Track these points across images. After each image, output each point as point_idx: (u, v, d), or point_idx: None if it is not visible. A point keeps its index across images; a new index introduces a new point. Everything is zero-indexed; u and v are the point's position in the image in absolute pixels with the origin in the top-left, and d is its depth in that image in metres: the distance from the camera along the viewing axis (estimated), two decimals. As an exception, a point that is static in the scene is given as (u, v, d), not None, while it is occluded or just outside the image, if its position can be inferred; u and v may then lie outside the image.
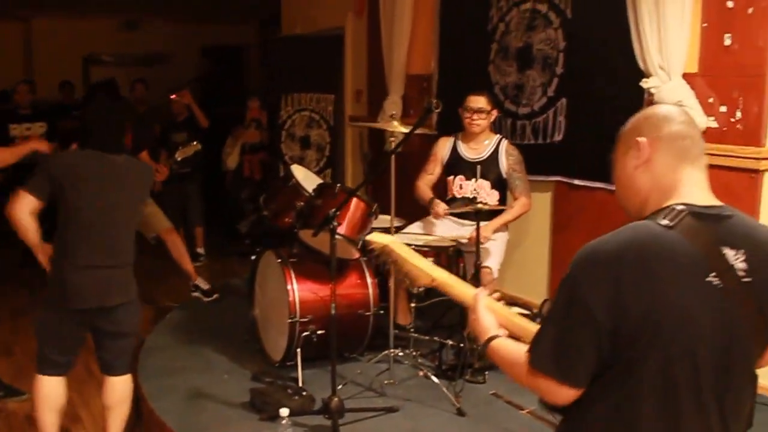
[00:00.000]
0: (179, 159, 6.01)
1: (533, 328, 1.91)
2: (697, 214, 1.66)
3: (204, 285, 6.04)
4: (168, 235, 5.94)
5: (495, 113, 4.74)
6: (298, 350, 4.16)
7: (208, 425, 3.78)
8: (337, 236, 3.81)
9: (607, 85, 4.74)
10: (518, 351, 1.81)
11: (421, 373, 4.21)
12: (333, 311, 3.61)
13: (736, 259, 1.64)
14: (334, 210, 3.56)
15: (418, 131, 5.80)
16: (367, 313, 4.37)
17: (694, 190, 1.73)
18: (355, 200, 4.08)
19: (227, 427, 3.75)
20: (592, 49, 4.84)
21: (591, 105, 4.86)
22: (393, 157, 4.18)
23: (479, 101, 4.64)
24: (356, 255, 4.29)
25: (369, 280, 4.43)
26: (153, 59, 12.28)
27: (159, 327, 5.30)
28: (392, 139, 4.24)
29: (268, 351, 4.50)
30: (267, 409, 3.78)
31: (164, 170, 5.81)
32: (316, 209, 4.09)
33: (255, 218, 7.79)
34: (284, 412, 3.37)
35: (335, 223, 3.58)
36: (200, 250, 7.57)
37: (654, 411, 1.64)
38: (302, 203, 4.28)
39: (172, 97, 7.31)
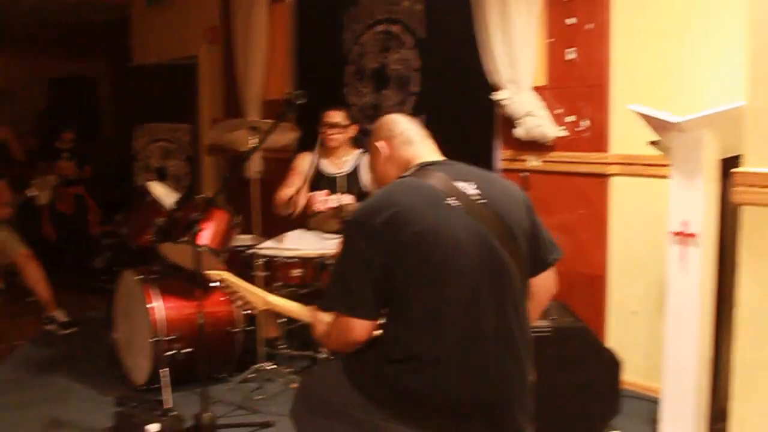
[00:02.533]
0: (30, 195, 5.77)
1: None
2: (428, 164, 2.23)
3: (62, 317, 5.74)
4: (25, 261, 5.63)
5: (353, 128, 4.81)
6: (163, 370, 4.02)
7: (69, 453, 3.59)
8: (200, 247, 3.75)
9: (461, 100, 4.91)
10: (314, 316, 2.30)
11: (293, 386, 4.16)
12: (201, 320, 3.53)
13: (469, 188, 2.13)
14: (197, 214, 3.50)
15: (276, 155, 5.84)
16: (235, 330, 4.29)
17: (425, 154, 2.31)
18: (217, 211, 4.03)
19: (90, 454, 3.56)
20: (445, 66, 5.01)
21: (447, 120, 5.01)
22: (253, 182, 4.18)
23: (335, 116, 4.70)
24: (221, 268, 4.19)
25: (235, 297, 4.35)
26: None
27: (8, 361, 4.97)
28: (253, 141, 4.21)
29: (131, 375, 4.33)
30: (134, 431, 3.63)
31: (7, 211, 5.56)
32: (177, 222, 4.00)
33: (110, 254, 7.53)
34: (152, 428, 3.24)
35: (198, 228, 3.51)
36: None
37: (429, 322, 2.03)
38: (162, 218, 4.18)
39: None
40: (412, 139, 2.34)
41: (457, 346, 2.01)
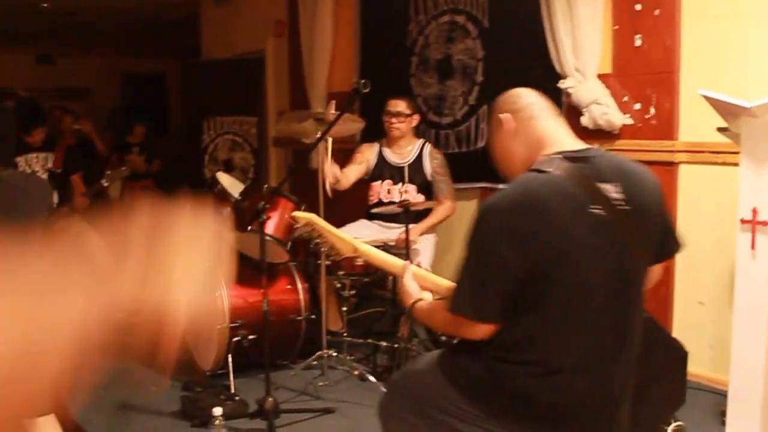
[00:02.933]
0: (106, 184, 5.93)
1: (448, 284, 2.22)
2: (571, 158, 1.95)
3: None
4: None
5: (416, 118, 4.81)
6: (229, 357, 4.10)
7: (138, 435, 3.68)
8: (265, 236, 3.80)
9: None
10: (437, 306, 2.13)
11: (356, 372, 4.20)
12: (265, 306, 3.59)
13: (613, 191, 1.92)
14: (262, 203, 3.55)
15: (343, 146, 5.87)
16: (299, 318, 4.34)
17: (561, 138, 2.06)
18: (282, 200, 4.08)
19: (157, 435, 3.65)
20: (509, 55, 4.98)
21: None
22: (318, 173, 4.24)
23: (398, 105, 4.71)
24: (285, 257, 4.26)
25: (299, 285, 4.41)
26: (72, 92, 12.05)
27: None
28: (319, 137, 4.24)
29: (198, 361, 4.42)
30: (199, 414, 3.70)
31: (84, 200, 5.73)
32: (243, 212, 4.06)
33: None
34: (217, 411, 3.30)
35: (264, 216, 3.56)
36: None
37: (554, 332, 1.91)
38: (229, 209, 4.26)
39: (74, 126, 7.30)
40: (540, 115, 2.10)
41: (586, 355, 1.92)
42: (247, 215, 3.97)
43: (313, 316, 4.38)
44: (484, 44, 5.16)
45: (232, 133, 7.69)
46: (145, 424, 3.80)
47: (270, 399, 3.60)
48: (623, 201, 1.92)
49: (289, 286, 4.40)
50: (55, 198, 5.72)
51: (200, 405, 3.72)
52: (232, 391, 3.97)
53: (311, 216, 2.42)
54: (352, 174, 4.79)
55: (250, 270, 4.21)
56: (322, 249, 2.46)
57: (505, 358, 1.95)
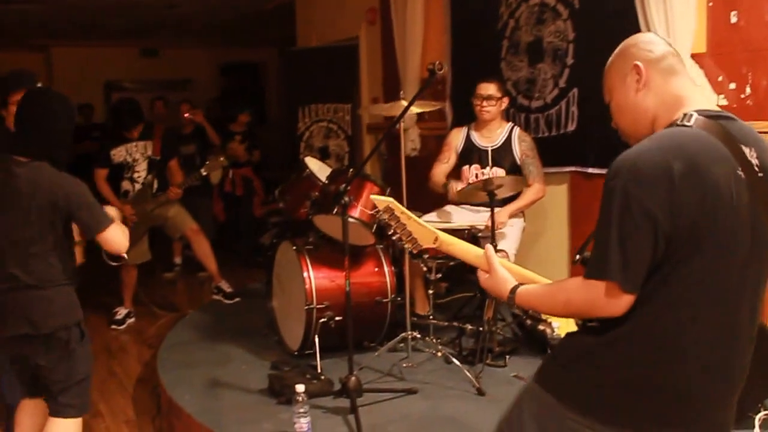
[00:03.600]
0: (205, 173, 6.12)
1: (544, 279, 2.01)
2: (711, 116, 1.77)
3: (226, 288, 6.10)
4: (194, 235, 6.04)
5: (506, 101, 4.76)
6: (316, 337, 4.17)
7: (226, 411, 3.78)
8: (351, 219, 3.85)
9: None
10: (555, 285, 1.89)
11: (440, 354, 4.21)
12: (347, 287, 3.63)
13: (751, 156, 1.75)
14: (344, 185, 3.59)
15: (432, 132, 5.89)
16: (385, 300, 4.37)
17: (696, 97, 1.86)
18: (368, 184, 4.11)
19: (245, 412, 3.75)
20: (600, 36, 4.86)
21: (602, 93, 4.85)
22: (404, 160, 4.26)
23: (489, 88, 4.67)
24: (371, 240, 4.29)
25: (386, 268, 4.44)
26: (174, 84, 12.46)
27: (179, 325, 5.34)
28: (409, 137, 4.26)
29: (286, 341, 4.52)
30: (285, 392, 3.79)
31: (178, 192, 5.92)
32: (329, 195, 4.11)
33: (276, 231, 7.87)
34: (300, 388, 3.37)
35: (347, 199, 3.60)
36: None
37: (694, 305, 1.71)
38: (317, 193, 4.32)
39: (186, 116, 7.54)
40: (675, 69, 1.88)
41: (721, 338, 1.74)
42: (332, 199, 4.02)
43: (400, 299, 4.40)
44: (575, 25, 5.06)
45: (327, 121, 7.78)
46: (234, 400, 3.91)
47: (353, 378, 3.65)
48: (758, 168, 1.76)
49: (375, 269, 4.44)
50: (155, 184, 5.95)
51: (286, 383, 3.80)
52: (318, 370, 4.04)
53: (390, 200, 2.20)
54: (451, 160, 4.87)
55: (337, 252, 4.27)
56: (400, 240, 2.23)
57: (633, 352, 1.74)
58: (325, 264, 4.30)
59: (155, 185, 5.96)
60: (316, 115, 7.83)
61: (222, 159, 6.19)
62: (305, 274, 4.22)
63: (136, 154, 5.91)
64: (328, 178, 4.29)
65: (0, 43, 11.68)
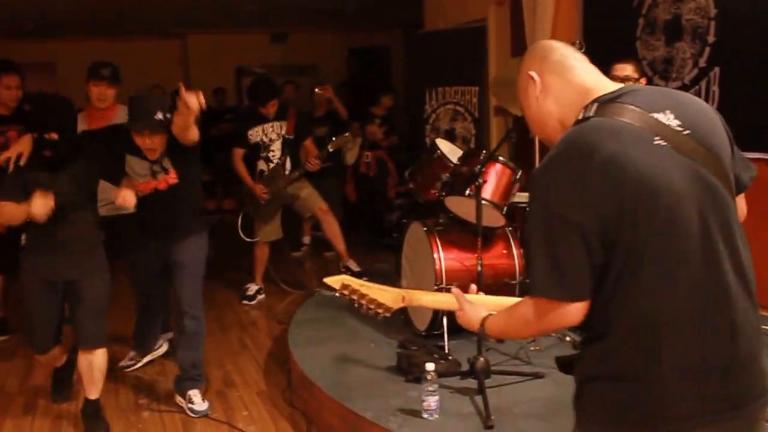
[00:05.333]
0: (331, 150, 6.22)
1: (512, 300, 2.03)
2: (610, 98, 1.73)
3: (354, 267, 6.22)
4: (323, 215, 6.19)
5: (643, 82, 4.61)
6: (444, 318, 4.18)
7: (355, 386, 3.86)
8: (483, 201, 3.84)
9: (762, 48, 4.53)
10: (510, 309, 1.88)
11: (568, 339, 4.15)
12: (479, 268, 3.62)
13: (668, 119, 1.69)
14: (478, 167, 3.58)
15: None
16: (513, 282, 4.34)
17: (602, 83, 1.81)
18: (500, 166, 4.08)
19: (374, 388, 3.81)
20: (744, 12, 4.64)
21: (746, 71, 4.65)
22: (537, 142, 4.20)
23: (625, 69, 4.53)
24: (502, 222, 4.26)
25: (515, 250, 4.40)
26: (302, 68, 12.71)
27: (308, 303, 5.47)
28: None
29: (414, 321, 4.55)
30: (413, 371, 3.83)
31: (316, 162, 6.05)
32: (461, 176, 4.11)
33: (401, 212, 7.95)
34: (430, 366, 3.40)
35: (481, 180, 3.59)
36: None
37: (665, 283, 1.64)
38: (447, 174, 4.32)
39: (316, 90, 7.67)
40: (571, 64, 1.84)
41: (705, 305, 1.65)
42: (464, 180, 4.01)
43: (528, 282, 4.35)
44: (717, 2, 4.84)
45: (454, 103, 7.76)
46: (363, 376, 3.99)
47: (481, 359, 3.65)
48: (680, 127, 1.69)
49: (504, 251, 4.41)
50: (288, 163, 6.10)
51: (415, 362, 3.84)
52: (446, 351, 4.06)
53: (343, 277, 2.24)
54: None
55: (467, 234, 4.27)
56: (369, 311, 2.23)
57: (610, 334, 1.67)
58: (455, 245, 4.31)
59: (288, 165, 6.11)
60: (443, 97, 7.81)
61: (347, 136, 6.28)
62: (435, 255, 4.24)
63: (271, 134, 6.06)
64: (459, 159, 4.29)
65: (142, 32, 12.26)
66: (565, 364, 1.84)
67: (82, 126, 4.61)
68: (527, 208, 1.76)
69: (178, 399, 4.23)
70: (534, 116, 1.90)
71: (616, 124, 1.67)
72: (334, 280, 2.24)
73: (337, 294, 2.26)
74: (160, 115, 3.75)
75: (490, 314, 1.99)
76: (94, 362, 3.88)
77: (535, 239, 1.68)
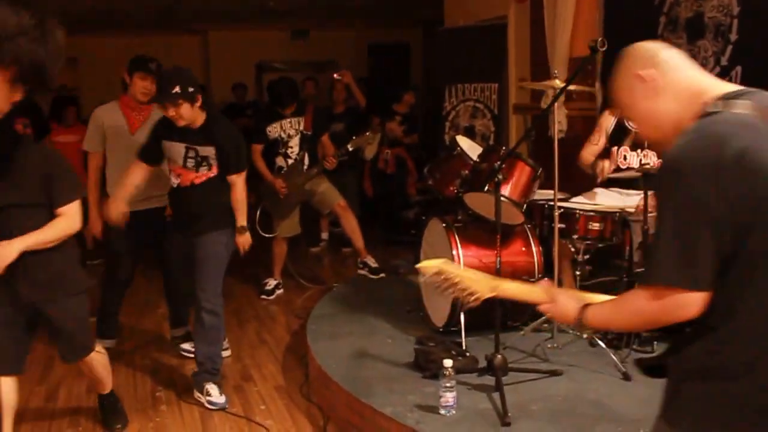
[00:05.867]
0: (351, 149, 6.24)
1: (604, 297, 1.98)
2: (734, 95, 1.72)
3: (372, 263, 6.23)
4: (342, 211, 6.20)
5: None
6: (462, 315, 4.19)
7: (372, 381, 3.87)
8: (502, 197, 3.83)
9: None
10: (619, 299, 1.85)
11: (585, 336, 4.14)
12: (498, 265, 3.62)
13: None
14: (498, 164, 3.58)
15: (580, 113, 5.76)
16: (532, 280, 4.33)
17: (711, 83, 1.80)
18: (520, 163, 4.08)
19: (391, 383, 3.82)
20: (768, 11, 4.62)
21: (768, 70, 4.62)
22: (557, 141, 4.20)
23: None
24: (521, 219, 4.26)
25: (534, 248, 4.40)
26: (322, 64, 12.74)
27: (326, 298, 5.49)
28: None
29: (431, 317, 4.56)
30: (430, 367, 3.84)
31: (333, 161, 6.07)
32: (481, 173, 4.11)
33: (419, 209, 7.95)
34: (448, 362, 3.40)
35: (500, 177, 3.59)
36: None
37: None
38: (467, 171, 4.32)
39: (335, 75, 7.63)
40: (679, 64, 1.84)
41: None
42: (484, 177, 4.02)
43: (547, 279, 4.34)
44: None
45: (474, 100, 7.75)
46: (380, 371, 4.00)
47: (499, 356, 3.66)
48: None
49: (523, 248, 4.41)
50: (306, 159, 6.12)
51: (432, 358, 3.85)
52: (464, 347, 4.06)
53: (441, 262, 2.20)
54: (602, 142, 4.72)
55: (486, 230, 4.27)
56: (460, 297, 2.20)
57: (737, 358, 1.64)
58: (474, 242, 4.31)
59: (306, 160, 6.13)
60: (462, 94, 7.81)
61: (367, 135, 6.29)
62: (454, 252, 4.24)
63: (290, 130, 6.09)
64: (480, 156, 4.29)
65: (164, 28, 12.31)
66: (652, 367, 1.82)
67: (117, 115, 4.75)
68: (657, 194, 1.72)
69: (196, 393, 4.26)
70: (645, 116, 1.89)
71: (745, 119, 1.66)
72: (429, 266, 2.21)
73: (428, 279, 2.24)
74: (177, 89, 3.97)
75: (589, 304, 1.93)
76: (94, 362, 3.71)
77: (664, 227, 1.66)
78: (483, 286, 2.18)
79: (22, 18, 1.79)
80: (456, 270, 2.20)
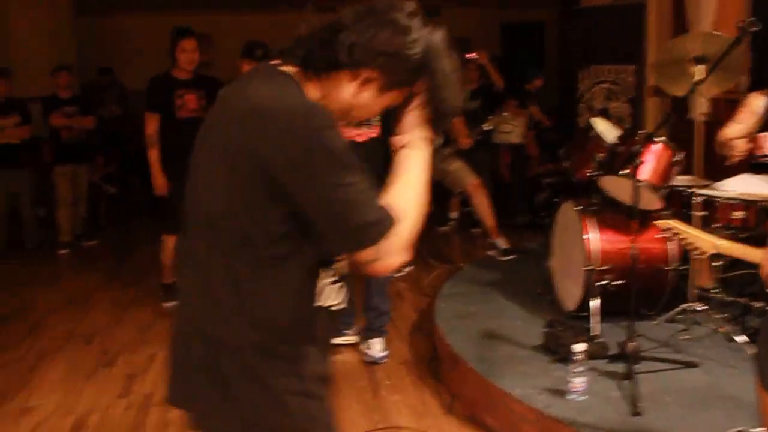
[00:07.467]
0: (486, 129, 6.24)
1: None
2: None
3: (502, 244, 6.21)
4: (474, 190, 6.20)
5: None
6: (593, 299, 4.13)
7: (500, 362, 3.88)
8: (639, 182, 3.75)
9: None
10: None
11: (722, 330, 4.01)
12: (633, 251, 3.56)
13: None
14: (637, 146, 3.51)
15: (725, 95, 5.52)
16: (667, 268, 4.23)
17: None
18: (659, 147, 3.97)
19: (519, 365, 3.82)
20: None
21: None
22: (697, 124, 4.06)
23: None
24: (658, 205, 4.15)
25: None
26: (454, 42, 12.69)
27: (454, 277, 5.52)
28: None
29: (561, 301, 4.52)
30: (560, 351, 3.81)
31: (468, 141, 6.08)
32: (618, 157, 4.03)
33: (550, 191, 7.86)
34: (579, 347, 3.37)
35: (638, 161, 3.52)
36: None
37: None
38: (603, 154, 4.24)
39: (470, 55, 7.48)
40: None
41: None
42: (621, 160, 3.94)
43: (683, 268, 4.24)
44: None
45: (609, 82, 7.58)
46: (508, 353, 4.01)
47: (632, 344, 3.59)
48: None
49: (659, 235, 4.30)
50: (440, 140, 6.14)
51: (562, 342, 3.82)
52: (595, 333, 4.01)
53: (671, 221, 2.90)
54: (749, 122, 4.47)
55: (622, 215, 4.20)
56: (686, 249, 2.83)
57: None
58: (608, 226, 4.24)
59: (441, 140, 6.14)
60: (597, 76, 7.65)
61: (505, 115, 6.26)
62: (587, 236, 4.19)
63: None
64: (618, 138, 4.20)
65: (298, 5, 12.53)
66: None
67: None
68: None
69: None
70: None
71: None
72: (662, 223, 3.00)
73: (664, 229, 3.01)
74: None
75: None
76: None
77: None
78: (705, 243, 2.64)
79: None
80: (685, 227, 2.80)
